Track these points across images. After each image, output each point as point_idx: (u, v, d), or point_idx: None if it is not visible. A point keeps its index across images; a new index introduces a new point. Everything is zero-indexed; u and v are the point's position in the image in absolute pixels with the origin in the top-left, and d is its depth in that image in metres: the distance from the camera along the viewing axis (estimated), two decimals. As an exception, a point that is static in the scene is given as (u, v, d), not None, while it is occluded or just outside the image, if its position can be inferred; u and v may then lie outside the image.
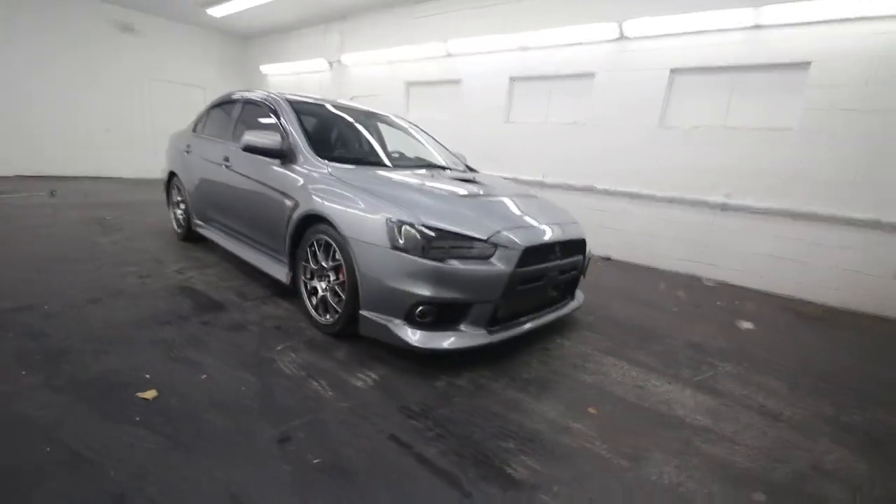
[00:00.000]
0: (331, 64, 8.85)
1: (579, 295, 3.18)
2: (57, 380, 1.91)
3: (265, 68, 10.27)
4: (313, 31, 9.15)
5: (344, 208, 2.41)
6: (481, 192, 2.78)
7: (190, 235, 4.37)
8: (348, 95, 8.62)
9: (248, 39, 10.84)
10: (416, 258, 2.15)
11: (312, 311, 2.70)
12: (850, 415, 2.27)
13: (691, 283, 4.85)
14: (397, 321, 2.23)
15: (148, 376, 2.01)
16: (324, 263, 2.58)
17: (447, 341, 2.22)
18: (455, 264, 2.17)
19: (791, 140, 4.47)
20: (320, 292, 2.64)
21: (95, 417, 1.69)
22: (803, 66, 4.37)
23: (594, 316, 3.39)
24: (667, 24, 4.96)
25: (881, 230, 4.10)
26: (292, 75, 9.86)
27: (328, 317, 2.60)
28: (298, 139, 2.98)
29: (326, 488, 1.46)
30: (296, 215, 2.71)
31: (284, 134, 3.04)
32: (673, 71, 5.10)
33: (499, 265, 2.25)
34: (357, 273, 2.30)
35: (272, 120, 3.31)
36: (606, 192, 5.69)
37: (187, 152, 4.21)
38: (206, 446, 1.60)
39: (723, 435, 2.00)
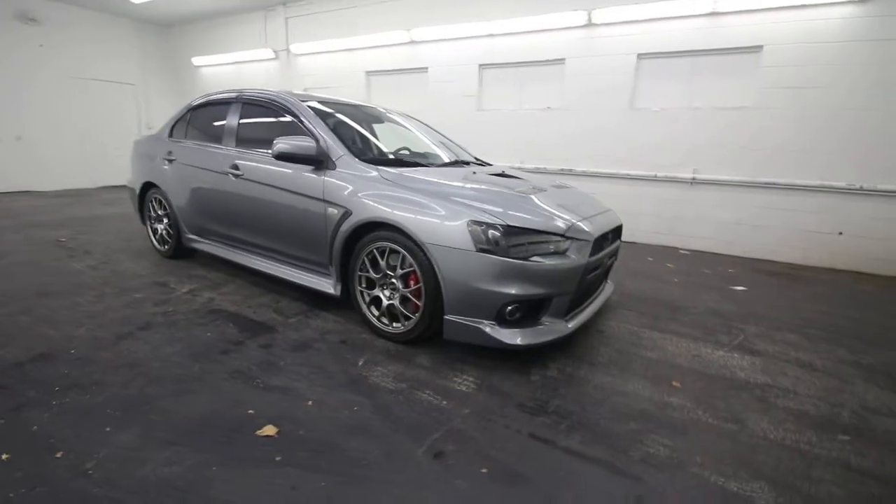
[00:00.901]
0: (277, 53, 8.30)
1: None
2: (158, 431, 1.73)
3: (198, 60, 9.38)
4: (252, 18, 8.49)
5: (415, 214, 2.36)
6: (530, 187, 2.84)
7: (178, 252, 4.00)
8: (300, 87, 8.16)
9: (173, 28, 9.79)
10: (502, 258, 2.19)
11: (375, 321, 2.64)
12: (864, 358, 2.69)
13: (671, 254, 5.31)
14: (487, 322, 2.26)
15: (252, 411, 1.88)
16: (389, 272, 2.52)
17: (537, 336, 2.30)
18: (540, 261, 2.23)
19: (748, 117, 5.00)
20: (385, 301, 2.58)
21: (233, 466, 1.57)
22: (756, 49, 4.87)
23: (616, 294, 3.63)
24: (633, 11, 5.27)
25: (827, 193, 4.75)
26: (230, 66, 9.11)
27: (397, 325, 2.56)
28: (332, 143, 2.84)
29: (515, 495, 1.50)
30: (348, 224, 2.60)
31: (314, 138, 2.88)
32: (640, 56, 5.44)
33: (574, 257, 2.35)
34: (440, 278, 2.28)
35: (286, 122, 3.12)
36: (584, 174, 5.99)
37: (168, 161, 3.81)
38: (372, 474, 1.56)
39: (784, 389, 2.30)
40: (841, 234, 4.76)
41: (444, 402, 2.02)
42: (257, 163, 3.14)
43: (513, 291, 2.20)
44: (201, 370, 2.20)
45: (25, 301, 2.97)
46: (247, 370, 2.22)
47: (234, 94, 3.54)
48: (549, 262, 2.25)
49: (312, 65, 8.01)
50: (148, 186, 4.09)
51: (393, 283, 2.54)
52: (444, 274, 2.27)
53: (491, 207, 2.31)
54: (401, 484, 1.53)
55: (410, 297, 2.47)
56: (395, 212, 2.41)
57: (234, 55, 8.81)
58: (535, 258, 2.23)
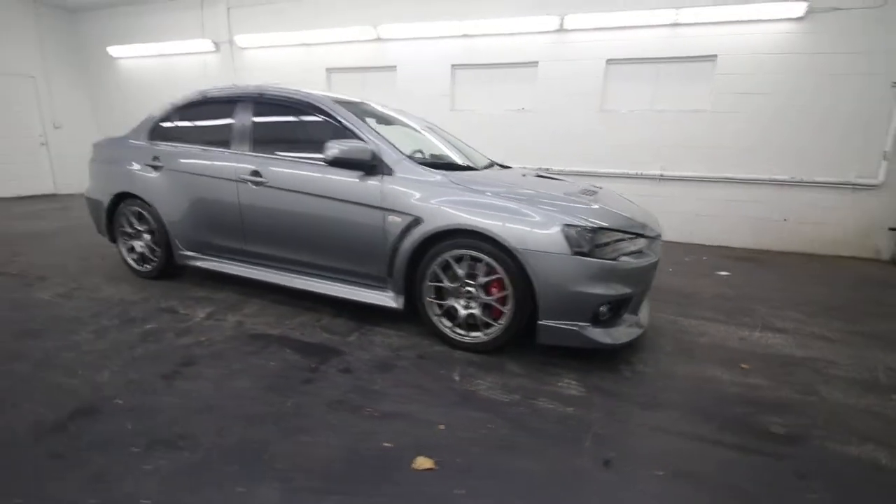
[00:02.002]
0: (217, 45, 7.54)
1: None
2: (300, 481, 1.51)
3: (116, 50, 8.20)
4: (185, 5, 7.62)
5: (503, 221, 2.30)
6: (583, 189, 2.90)
7: (166, 272, 3.50)
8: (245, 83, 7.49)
9: (82, 13, 8.44)
10: (598, 260, 2.23)
11: (450, 333, 2.54)
12: (860, 328, 3.14)
13: (646, 244, 5.74)
14: (583, 324, 2.28)
15: (388, 444, 1.72)
16: (469, 280, 2.43)
17: (625, 334, 2.37)
18: (628, 260, 2.31)
19: (706, 119, 5.57)
20: (461, 311, 2.49)
21: (416, 505, 1.43)
22: (711, 58, 5.43)
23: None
24: (602, 18, 5.59)
25: (773, 185, 5.46)
26: (157, 59, 8.10)
27: (476, 335, 2.48)
28: (385, 146, 2.67)
29: (707, 491, 1.54)
30: (418, 233, 2.46)
31: (361, 142, 2.68)
32: (608, 61, 5.80)
33: (650, 256, 2.46)
34: (534, 284, 2.26)
35: (316, 123, 2.88)
36: (560, 173, 6.25)
37: (153, 167, 3.32)
38: (563, 494, 1.51)
39: (825, 360, 2.61)
40: (786, 220, 5.50)
41: (569, 409, 2.01)
42: (288, 169, 2.85)
43: (607, 292, 2.25)
44: (295, 405, 1.96)
45: (8, 345, 2.41)
46: (346, 399, 2.02)
47: (241, 92, 3.16)
48: (636, 261, 2.34)
49: (262, 59, 7.40)
50: (121, 198, 3.52)
51: (470, 292, 2.46)
52: (539, 279, 2.25)
53: (576, 210, 2.34)
54: (594, 498, 1.50)
55: (495, 304, 2.41)
56: (482, 218, 2.33)
57: (163, 46, 7.83)
58: (622, 258, 2.30)
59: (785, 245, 5.53)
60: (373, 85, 6.97)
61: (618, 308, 2.38)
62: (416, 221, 2.48)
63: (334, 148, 2.52)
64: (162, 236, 3.38)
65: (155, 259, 3.50)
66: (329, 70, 7.11)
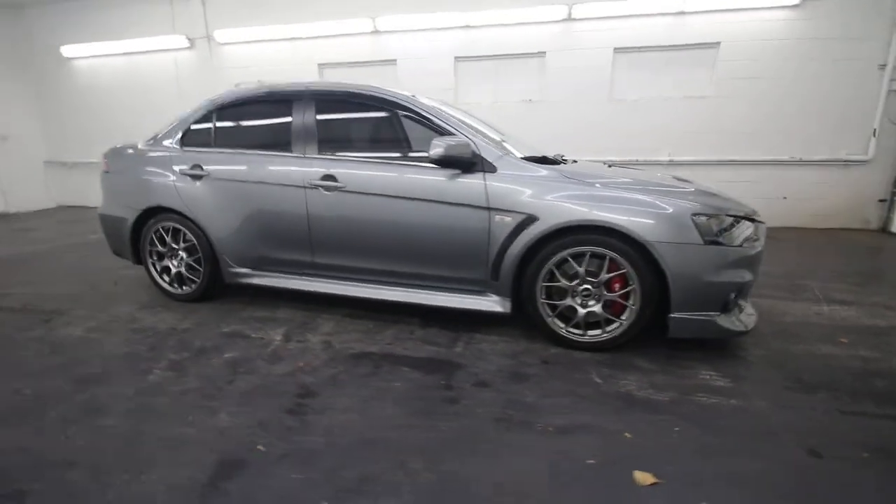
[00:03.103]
0: (192, 41, 6.93)
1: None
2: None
3: (70, 50, 7.33)
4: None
5: (628, 215, 2.21)
6: (670, 177, 2.87)
7: (208, 293, 3.15)
8: (227, 82, 6.95)
9: (28, 9, 7.47)
10: (728, 248, 2.21)
11: (566, 333, 2.43)
12: (910, 293, 3.35)
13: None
14: (713, 314, 2.25)
15: (592, 461, 1.60)
16: (590, 278, 2.33)
17: (748, 320, 2.37)
18: (752, 246, 2.30)
19: (710, 104, 5.76)
20: (580, 310, 2.38)
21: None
22: (715, 45, 5.61)
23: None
24: (610, 7, 5.63)
25: (774, 165, 5.75)
26: (121, 58, 7.33)
27: (594, 333, 2.39)
28: (483, 141, 2.50)
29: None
30: (533, 231, 2.33)
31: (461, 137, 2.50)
32: (616, 50, 5.85)
33: (759, 239, 2.47)
34: (667, 276, 2.19)
35: (392, 120, 2.68)
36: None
37: (195, 177, 2.96)
38: (818, 491, 1.45)
39: (906, 328, 2.75)
40: (785, 198, 5.81)
41: (733, 401, 1.97)
42: (369, 171, 2.62)
43: (736, 279, 2.23)
44: (462, 428, 1.78)
45: (77, 397, 2.04)
46: (507, 416, 1.86)
47: (298, 88, 2.87)
48: (757, 247, 2.33)
49: (245, 55, 6.88)
50: (152, 213, 3.11)
51: (588, 290, 2.37)
52: (673, 271, 2.18)
53: (695, 198, 2.30)
54: (838, 492, 1.46)
55: (619, 301, 2.33)
56: (608, 213, 2.23)
57: (127, 43, 7.09)
58: (745, 244, 2.29)
59: (785, 221, 5.85)
60: (371, 80, 6.64)
61: (740, 294, 2.37)
62: (530, 220, 2.34)
63: (440, 146, 2.33)
64: (207, 253, 3.03)
65: (196, 279, 3.13)
66: (321, 65, 6.72)
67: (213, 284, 3.13)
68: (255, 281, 3.00)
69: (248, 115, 3.03)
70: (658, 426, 1.80)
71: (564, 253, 2.33)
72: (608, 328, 2.38)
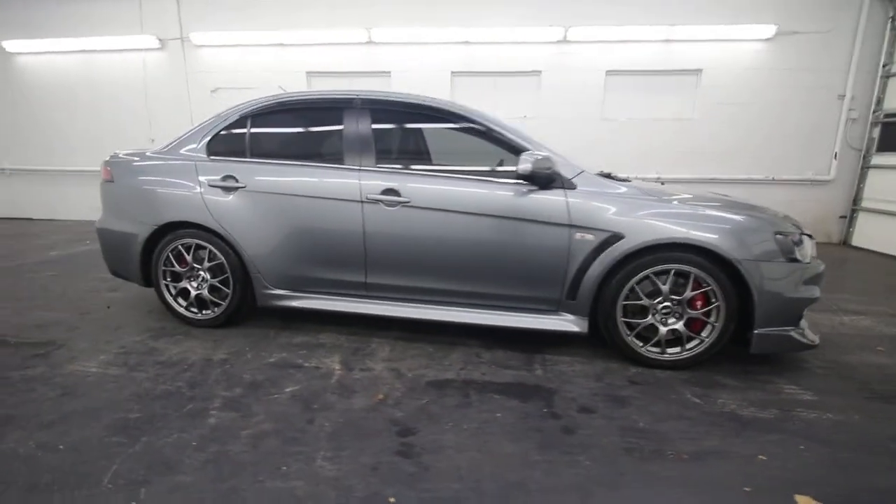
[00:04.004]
0: (163, 42, 6.39)
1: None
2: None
3: (14, 45, 6.50)
4: (116, -7, 6.33)
5: (717, 233, 2.22)
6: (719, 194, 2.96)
7: (234, 318, 2.82)
8: (203, 86, 6.49)
9: None
10: (804, 264, 2.28)
11: (644, 351, 2.39)
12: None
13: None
14: (789, 328, 2.30)
15: (748, 489, 1.54)
16: (674, 296, 2.31)
17: (815, 333, 2.45)
18: (820, 262, 2.40)
19: (694, 126, 6.12)
20: (662, 329, 2.36)
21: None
22: (697, 72, 5.99)
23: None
24: (603, 32, 5.86)
25: (751, 184, 6.18)
26: (76, 56, 6.60)
27: (674, 350, 2.37)
28: (560, 157, 2.44)
29: None
30: (617, 249, 2.28)
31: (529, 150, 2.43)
32: (608, 72, 6.09)
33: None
34: (754, 293, 2.21)
35: (454, 131, 2.57)
36: (565, 179, 6.39)
37: (227, 189, 2.66)
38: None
39: (927, 336, 2.99)
40: (761, 215, 6.26)
41: (829, 415, 2.01)
42: (437, 185, 2.48)
43: (811, 294, 2.31)
44: (596, 461, 1.67)
45: (124, 450, 1.70)
46: (633, 446, 1.77)
47: (345, 96, 2.67)
48: (821, 262, 2.43)
49: (224, 60, 6.43)
50: (169, 228, 2.74)
51: (667, 308, 2.35)
52: (759, 288, 2.21)
53: (767, 216, 2.37)
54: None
55: (700, 318, 2.33)
56: (695, 231, 2.23)
57: (85, 41, 6.41)
58: (815, 260, 2.38)
59: (761, 236, 6.28)
60: (362, 91, 6.46)
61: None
62: (615, 237, 2.29)
63: (528, 161, 2.24)
64: (237, 273, 2.71)
65: (221, 302, 2.79)
66: (310, 74, 6.42)
67: (241, 308, 2.81)
68: (296, 303, 2.72)
69: (290, 122, 2.78)
70: (784, 446, 1.78)
71: (648, 271, 2.31)
72: (689, 346, 2.37)
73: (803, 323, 2.45)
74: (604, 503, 1.47)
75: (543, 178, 2.36)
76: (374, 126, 2.61)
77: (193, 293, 2.81)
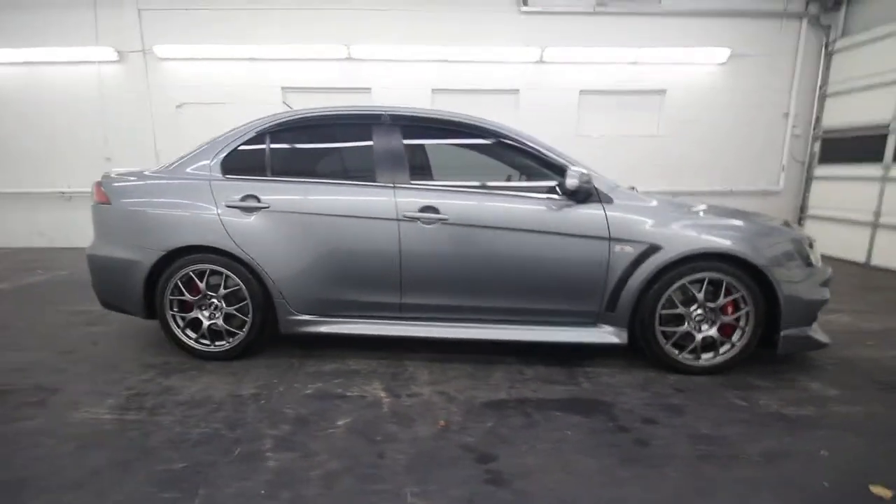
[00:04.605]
0: (122, 54, 5.95)
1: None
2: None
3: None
4: (69, 2, 5.81)
5: (748, 242, 2.35)
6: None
7: (251, 348, 2.63)
8: (166, 101, 6.10)
9: None
10: (820, 268, 2.48)
11: (681, 359, 2.47)
12: (875, 296, 4.04)
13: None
14: (808, 329, 2.47)
15: (826, 483, 1.61)
16: (709, 303, 2.41)
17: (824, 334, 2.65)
18: (827, 267, 2.60)
19: (661, 143, 6.53)
20: (697, 336, 2.45)
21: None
22: (662, 92, 6.42)
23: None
24: (577, 54, 6.15)
25: (712, 196, 6.64)
26: (18, 68, 5.98)
27: (707, 356, 2.48)
28: (592, 171, 2.50)
29: None
30: (656, 261, 2.35)
31: (560, 167, 2.48)
32: (581, 91, 6.38)
33: (814, 261, 2.81)
34: (780, 297, 2.36)
35: (485, 147, 2.62)
36: (545, 193, 6.57)
37: (247, 210, 2.49)
38: None
39: (899, 328, 3.31)
40: (722, 223, 6.74)
41: (859, 408, 2.17)
42: (478, 202, 2.47)
43: (824, 297, 2.50)
44: (680, 471, 1.68)
45: (179, 502, 1.51)
46: (707, 453, 1.81)
47: (372, 112, 2.60)
48: (828, 267, 2.64)
49: (190, 74, 6.08)
50: (176, 255, 2.50)
51: (700, 315, 2.45)
52: (784, 293, 2.36)
53: (778, 225, 2.55)
54: None
55: (731, 324, 2.45)
56: (727, 241, 2.36)
57: (29, 52, 5.83)
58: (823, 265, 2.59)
59: (724, 243, 6.77)
60: (341, 107, 6.33)
61: (816, 310, 2.65)
62: (654, 249, 2.37)
63: (574, 176, 2.28)
64: (258, 300, 2.52)
65: (239, 332, 2.58)
66: (285, 89, 6.21)
67: (260, 337, 2.61)
68: (324, 329, 2.57)
69: (313, 139, 2.67)
70: (836, 440, 1.90)
71: (684, 280, 2.40)
72: (721, 350, 2.48)
73: (815, 324, 2.65)
74: (709, 513, 1.49)
75: (583, 193, 2.41)
76: (406, 142, 2.56)
77: (206, 323, 2.58)
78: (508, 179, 2.89)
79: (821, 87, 6.26)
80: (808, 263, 2.43)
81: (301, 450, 1.81)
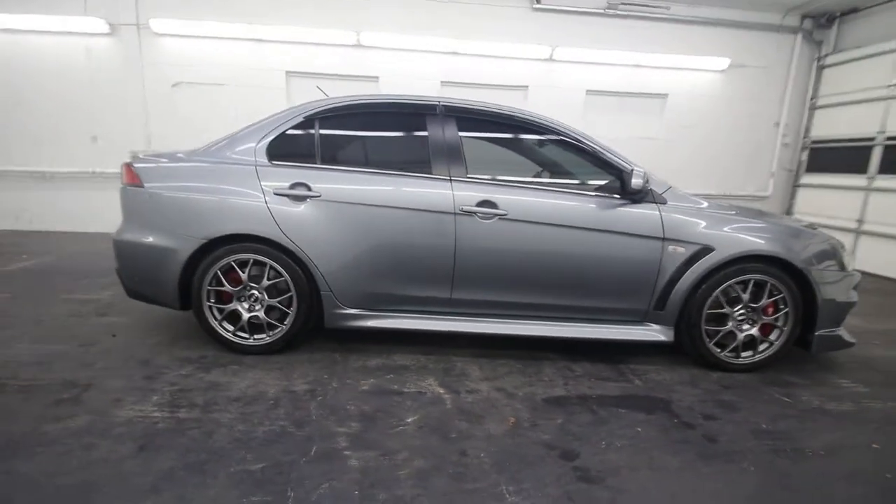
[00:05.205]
0: (114, 27, 5.57)
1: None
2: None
3: None
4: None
5: (788, 245, 2.44)
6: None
7: (290, 343, 2.54)
8: (162, 79, 5.77)
9: None
10: (851, 272, 2.60)
11: (723, 357, 2.55)
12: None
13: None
14: (838, 329, 2.60)
15: (889, 476, 1.70)
16: (752, 304, 2.49)
17: (847, 332, 2.80)
18: (855, 271, 2.74)
19: (660, 145, 6.70)
20: (739, 335, 2.53)
21: None
22: (664, 96, 6.58)
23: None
24: (585, 54, 6.21)
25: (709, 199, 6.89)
26: (-9, 33, 5.51)
27: (747, 354, 2.56)
28: (650, 173, 2.52)
29: None
30: (710, 261, 2.41)
31: (618, 168, 2.51)
32: (588, 91, 6.46)
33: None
34: (818, 299, 2.46)
35: (542, 143, 2.64)
36: (547, 191, 6.63)
37: (297, 198, 2.38)
38: None
39: (898, 330, 3.54)
40: (714, 226, 7.00)
41: (891, 403, 2.31)
42: (535, 198, 2.46)
43: (853, 299, 2.63)
44: (758, 465, 1.74)
45: None
46: (775, 447, 1.88)
47: (423, 102, 2.54)
48: (855, 270, 2.78)
49: (189, 52, 5.76)
50: (218, 243, 2.37)
51: (742, 315, 2.53)
52: (822, 295, 2.47)
53: (807, 229, 2.66)
54: None
55: (770, 323, 2.54)
56: (770, 244, 2.43)
57: (9, 19, 5.37)
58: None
59: (714, 245, 7.04)
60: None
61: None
62: (706, 250, 2.43)
63: (639, 177, 2.30)
64: (304, 292, 2.43)
65: (281, 325, 2.47)
66: (290, 73, 5.99)
67: (302, 330, 2.52)
68: (371, 323, 2.50)
69: (364, 127, 2.58)
70: (881, 433, 2.01)
71: (732, 281, 2.47)
72: (760, 348, 2.57)
73: (842, 326, 2.79)
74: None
75: (642, 193, 2.43)
76: (462, 134, 2.51)
77: (246, 316, 2.46)
78: (538, 175, 2.90)
79: (811, 99, 6.57)
80: (842, 267, 2.55)
81: (379, 448, 1.76)
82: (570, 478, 1.64)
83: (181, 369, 2.33)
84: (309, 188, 2.39)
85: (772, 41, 6.43)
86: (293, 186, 2.39)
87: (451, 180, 2.43)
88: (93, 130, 5.79)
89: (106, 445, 1.71)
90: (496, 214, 2.40)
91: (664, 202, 2.50)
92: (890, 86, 5.41)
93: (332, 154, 2.52)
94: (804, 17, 6.35)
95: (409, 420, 1.96)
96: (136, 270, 2.50)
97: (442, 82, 6.22)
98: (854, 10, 6.00)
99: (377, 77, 6.09)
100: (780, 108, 6.67)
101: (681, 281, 2.46)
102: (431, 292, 2.50)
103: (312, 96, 6.06)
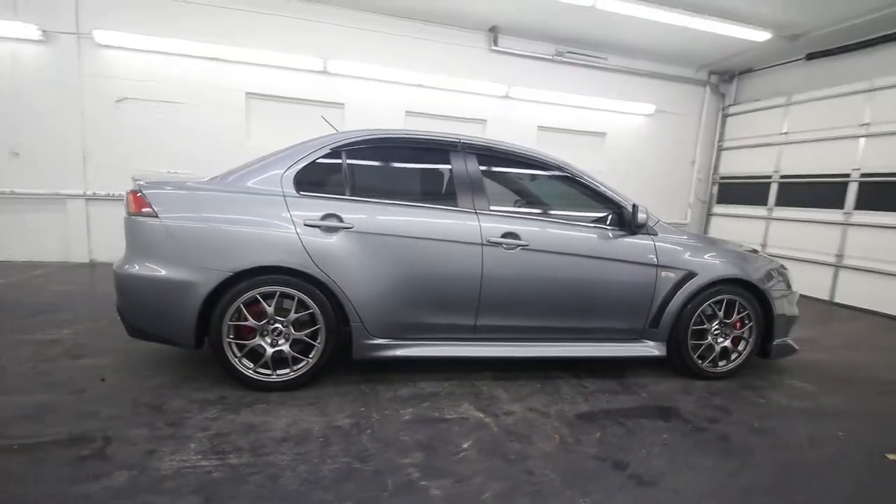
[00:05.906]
0: (48, 35, 5.02)
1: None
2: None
3: None
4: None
5: (752, 270, 2.92)
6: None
7: (316, 377, 2.49)
8: (102, 95, 5.29)
9: None
10: (796, 291, 3.15)
11: (704, 367, 2.93)
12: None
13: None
14: (787, 338, 3.12)
15: (894, 458, 2.11)
16: (726, 319, 2.92)
17: (790, 341, 3.35)
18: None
19: (601, 179, 7.41)
20: (717, 347, 2.94)
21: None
22: (603, 134, 7.35)
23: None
24: (537, 94, 6.79)
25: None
26: None
27: (723, 363, 2.97)
28: (633, 204, 2.87)
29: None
30: (693, 285, 2.80)
31: (617, 203, 2.85)
32: (539, 127, 7.02)
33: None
34: (774, 313, 2.95)
35: (552, 180, 2.91)
36: (505, 218, 7.01)
37: (328, 229, 2.38)
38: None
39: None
40: (646, 250, 7.85)
41: (835, 397, 2.82)
42: (552, 230, 2.69)
43: (798, 313, 3.18)
44: (767, 457, 2.06)
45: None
46: (772, 441, 2.23)
47: (445, 139, 2.71)
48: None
49: (138, 67, 5.33)
50: (242, 276, 2.28)
51: (717, 330, 2.95)
52: (776, 310, 2.97)
53: (756, 255, 3.20)
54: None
55: (739, 336, 2.98)
56: (743, 270, 2.89)
57: None
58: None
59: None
60: (309, 120, 6.06)
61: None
62: (690, 275, 2.82)
63: (643, 212, 2.64)
64: (332, 324, 2.40)
65: (306, 359, 2.41)
66: (249, 95, 5.78)
67: (326, 364, 2.47)
68: (399, 352, 2.53)
69: (390, 160, 2.64)
70: (840, 422, 2.46)
71: (710, 301, 2.88)
72: (732, 357, 3.00)
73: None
74: (822, 485, 1.86)
75: (639, 226, 2.77)
76: (483, 169, 2.69)
77: (270, 351, 2.37)
78: (516, 204, 3.17)
79: (718, 142, 7.74)
80: (789, 286, 3.09)
81: (451, 475, 1.81)
82: (632, 485, 1.82)
83: (205, 412, 2.17)
84: (340, 219, 2.40)
85: (687, 92, 7.53)
86: (325, 217, 2.39)
87: (476, 213, 2.59)
88: (13, 145, 5.10)
89: (166, 501, 1.57)
90: (518, 245, 2.59)
91: (656, 234, 2.87)
92: (782, 133, 6.59)
93: (361, 186, 2.56)
94: (711, 73, 7.54)
95: (464, 445, 2.03)
96: (144, 306, 2.30)
97: (407, 112, 6.41)
98: (749, 70, 7.26)
99: (343, 104, 6.12)
100: (695, 149, 7.78)
101: (672, 302, 2.82)
102: (457, 319, 2.61)
103: (273, 118, 5.98)
